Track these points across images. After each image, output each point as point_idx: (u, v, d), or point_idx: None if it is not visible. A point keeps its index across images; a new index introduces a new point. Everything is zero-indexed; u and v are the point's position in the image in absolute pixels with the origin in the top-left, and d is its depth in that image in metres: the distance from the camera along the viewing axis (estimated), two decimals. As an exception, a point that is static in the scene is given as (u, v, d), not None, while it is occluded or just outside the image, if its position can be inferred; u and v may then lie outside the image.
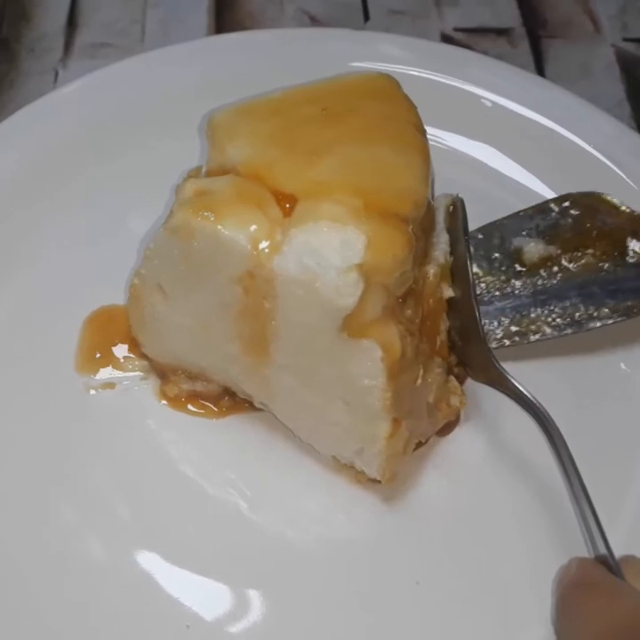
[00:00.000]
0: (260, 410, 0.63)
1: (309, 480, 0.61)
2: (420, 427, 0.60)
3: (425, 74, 0.76)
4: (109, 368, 0.64)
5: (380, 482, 0.59)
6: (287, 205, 0.53)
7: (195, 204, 0.53)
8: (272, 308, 0.54)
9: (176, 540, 0.59)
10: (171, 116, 0.74)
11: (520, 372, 0.62)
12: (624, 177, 0.72)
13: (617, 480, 0.61)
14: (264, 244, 0.52)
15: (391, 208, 0.53)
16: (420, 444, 0.61)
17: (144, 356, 0.64)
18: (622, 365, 0.66)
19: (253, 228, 0.52)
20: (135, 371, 0.64)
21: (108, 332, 0.65)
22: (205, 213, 0.53)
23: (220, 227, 0.52)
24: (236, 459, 0.62)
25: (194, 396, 0.63)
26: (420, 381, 0.58)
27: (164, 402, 0.63)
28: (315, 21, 0.90)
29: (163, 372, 0.64)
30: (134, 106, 0.75)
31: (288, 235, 0.52)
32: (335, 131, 0.56)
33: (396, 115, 0.59)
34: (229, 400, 0.63)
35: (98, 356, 0.64)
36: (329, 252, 0.51)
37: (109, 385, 0.64)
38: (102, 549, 0.58)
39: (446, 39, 0.89)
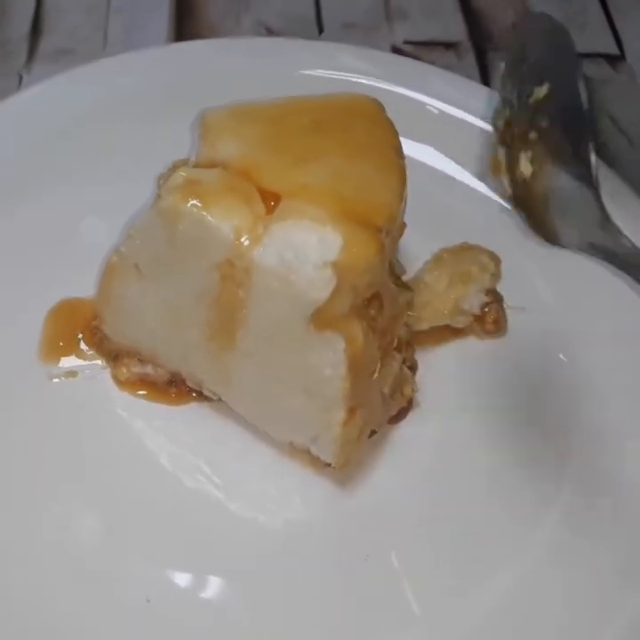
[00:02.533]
0: (207, 399, 0.66)
1: (266, 464, 0.64)
2: (375, 416, 0.64)
3: (375, 82, 0.80)
4: (72, 357, 0.67)
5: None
6: (271, 203, 0.56)
7: (184, 190, 0.56)
8: (245, 296, 0.57)
9: (143, 525, 0.61)
10: (137, 115, 0.78)
11: (466, 365, 0.69)
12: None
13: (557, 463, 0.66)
14: (246, 236, 0.55)
15: (367, 217, 0.57)
16: (373, 432, 0.65)
17: (98, 344, 0.67)
18: (561, 356, 0.70)
19: (238, 219, 0.55)
20: (96, 359, 0.67)
21: (70, 322, 0.68)
22: (194, 200, 0.56)
23: (206, 214, 0.56)
24: (196, 444, 0.64)
25: (144, 381, 0.66)
26: (376, 375, 0.61)
27: (117, 386, 0.66)
28: (271, 33, 0.93)
29: (115, 355, 0.66)
30: (99, 108, 0.78)
31: (269, 229, 0.55)
32: (323, 142, 0.60)
33: (379, 136, 0.62)
34: (176, 389, 0.66)
35: (60, 344, 0.67)
36: (307, 248, 0.55)
37: (72, 373, 0.66)
38: (66, 535, 0.60)
39: (396, 51, 0.92)
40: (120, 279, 0.62)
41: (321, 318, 0.56)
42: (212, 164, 0.59)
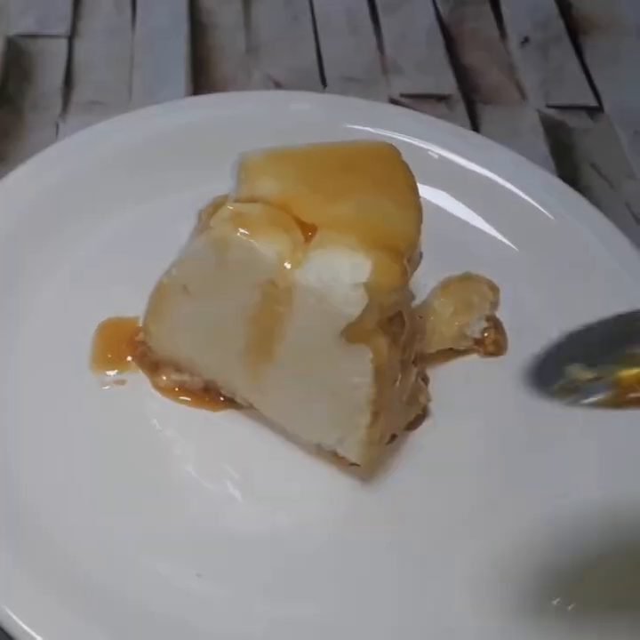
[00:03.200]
0: (238, 406, 0.73)
1: (292, 466, 0.71)
2: (395, 420, 0.71)
3: (378, 131, 0.87)
4: (119, 368, 0.74)
5: (358, 465, 0.69)
6: (309, 233, 0.63)
7: (233, 221, 0.64)
8: (285, 312, 0.64)
9: (177, 528, 0.67)
10: (168, 159, 0.86)
11: (471, 380, 0.77)
12: (552, 219, 0.85)
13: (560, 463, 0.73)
14: (288, 260, 0.62)
15: (392, 245, 0.63)
16: (393, 437, 0.72)
17: (141, 356, 0.74)
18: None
19: (281, 245, 0.63)
20: (139, 370, 0.74)
21: (117, 337, 0.75)
22: (242, 230, 0.63)
23: (253, 241, 0.63)
24: (230, 450, 0.71)
25: (181, 388, 0.73)
26: (397, 383, 0.69)
27: (158, 392, 0.73)
28: (279, 86, 1.01)
29: (155, 365, 0.74)
30: (135, 153, 0.85)
31: (308, 255, 0.62)
32: (350, 181, 0.67)
33: (398, 177, 0.70)
34: (209, 396, 0.73)
35: (109, 356, 0.74)
36: (341, 271, 0.61)
37: (120, 382, 0.73)
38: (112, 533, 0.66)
39: (394, 103, 1.00)
40: (169, 298, 0.69)
41: (352, 332, 0.63)
42: (252, 200, 0.66)
